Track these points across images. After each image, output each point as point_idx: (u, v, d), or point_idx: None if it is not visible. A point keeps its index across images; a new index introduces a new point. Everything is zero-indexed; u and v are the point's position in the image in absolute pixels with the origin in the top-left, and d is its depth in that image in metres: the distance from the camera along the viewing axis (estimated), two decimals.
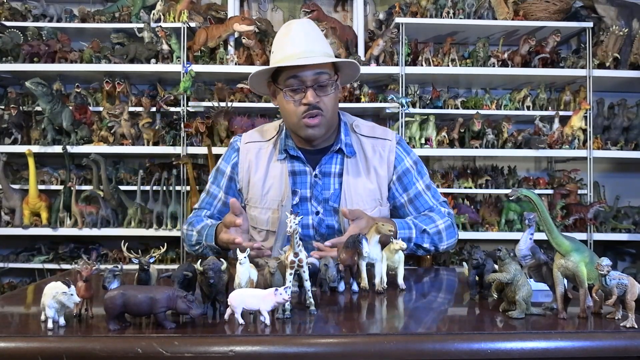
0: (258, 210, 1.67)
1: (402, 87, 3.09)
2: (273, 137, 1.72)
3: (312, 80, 1.54)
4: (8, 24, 3.15)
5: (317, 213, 1.64)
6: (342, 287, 1.25)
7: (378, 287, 1.21)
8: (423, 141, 3.10)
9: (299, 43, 1.55)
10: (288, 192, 1.63)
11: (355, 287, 1.24)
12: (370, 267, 1.23)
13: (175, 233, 3.03)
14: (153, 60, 3.10)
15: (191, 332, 0.90)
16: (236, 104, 3.09)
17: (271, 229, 1.65)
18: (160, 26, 3.04)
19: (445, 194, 3.07)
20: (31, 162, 2.93)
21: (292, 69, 1.54)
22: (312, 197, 1.64)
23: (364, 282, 1.21)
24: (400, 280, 1.26)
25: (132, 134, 3.06)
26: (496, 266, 1.10)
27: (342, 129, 1.69)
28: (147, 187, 3.06)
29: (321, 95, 1.55)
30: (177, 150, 3.08)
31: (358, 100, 3.11)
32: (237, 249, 1.16)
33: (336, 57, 1.70)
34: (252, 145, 1.72)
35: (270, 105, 3.11)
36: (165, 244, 1.43)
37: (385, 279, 1.23)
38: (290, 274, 1.04)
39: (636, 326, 0.91)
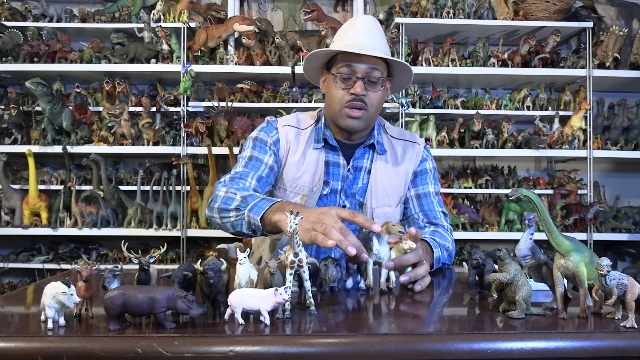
0: (286, 193, 1.65)
1: None
2: (310, 126, 1.71)
3: (364, 72, 1.55)
4: (8, 24, 3.15)
5: (344, 207, 1.64)
6: (350, 284, 1.25)
7: (382, 286, 1.22)
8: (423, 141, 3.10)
9: (361, 36, 1.56)
10: (321, 181, 1.63)
11: (362, 284, 1.25)
12: (378, 266, 1.23)
13: (175, 233, 3.03)
14: (153, 60, 3.10)
15: (191, 332, 0.90)
16: (236, 104, 3.09)
17: None
18: (160, 26, 3.04)
19: (445, 194, 3.08)
20: (31, 162, 2.93)
21: (347, 58, 1.55)
22: (342, 190, 1.65)
23: (369, 280, 1.21)
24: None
25: (132, 134, 3.06)
26: (496, 266, 1.10)
27: (376, 127, 1.72)
28: (147, 187, 3.06)
29: (369, 90, 1.57)
30: (177, 150, 3.08)
31: None
32: (237, 249, 1.15)
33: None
34: (290, 128, 1.70)
35: (270, 105, 3.13)
36: (165, 244, 1.42)
37: (393, 279, 1.23)
38: (290, 274, 1.04)
39: (636, 326, 0.91)
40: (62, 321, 0.92)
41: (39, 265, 3.04)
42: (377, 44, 1.57)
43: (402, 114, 3.05)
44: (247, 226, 1.43)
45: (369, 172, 1.67)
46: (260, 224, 1.38)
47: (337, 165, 1.66)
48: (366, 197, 1.64)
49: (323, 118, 1.71)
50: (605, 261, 0.92)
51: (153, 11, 3.16)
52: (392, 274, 1.24)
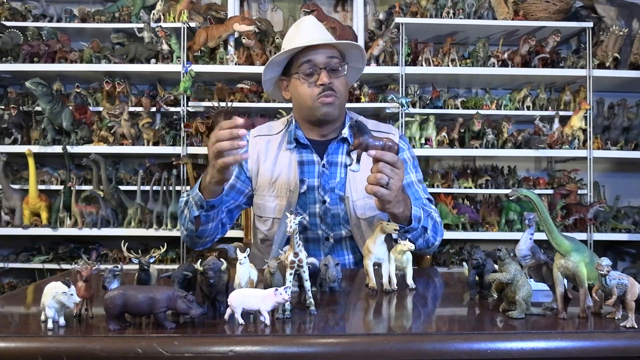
0: (266, 198, 1.69)
1: (402, 87, 3.09)
2: (281, 131, 1.77)
3: (324, 62, 1.62)
4: (8, 24, 3.15)
5: (324, 202, 1.67)
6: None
7: (386, 287, 1.22)
8: (423, 141, 3.10)
9: (309, 32, 1.64)
10: (296, 180, 1.66)
11: (355, 167, 1.29)
12: (378, 267, 1.23)
13: (175, 233, 3.03)
14: (153, 60, 3.10)
15: (191, 332, 0.90)
16: (236, 104, 3.09)
17: (277, 217, 1.68)
18: (160, 26, 3.04)
19: (445, 194, 3.08)
20: (31, 162, 2.93)
21: (305, 55, 1.62)
22: (319, 186, 1.67)
23: (372, 282, 1.21)
24: (409, 280, 1.27)
25: (132, 134, 3.06)
26: (496, 266, 1.10)
27: (347, 120, 1.75)
28: (147, 187, 3.06)
29: (333, 78, 1.63)
30: (177, 150, 3.08)
31: (358, 100, 3.11)
32: (237, 249, 1.15)
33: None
34: (261, 137, 1.77)
35: (270, 105, 3.12)
36: (165, 244, 1.43)
37: (394, 280, 1.23)
38: (290, 274, 1.04)
39: (636, 326, 0.91)
40: (62, 321, 0.92)
41: (39, 265, 3.03)
42: (326, 36, 1.67)
43: (402, 114, 3.05)
44: (196, 207, 1.52)
45: (346, 166, 1.69)
46: (201, 194, 1.49)
47: (311, 162, 1.70)
48: (346, 190, 1.67)
49: (294, 121, 1.76)
50: (605, 261, 0.92)
51: (153, 11, 3.16)
52: (393, 275, 1.24)
